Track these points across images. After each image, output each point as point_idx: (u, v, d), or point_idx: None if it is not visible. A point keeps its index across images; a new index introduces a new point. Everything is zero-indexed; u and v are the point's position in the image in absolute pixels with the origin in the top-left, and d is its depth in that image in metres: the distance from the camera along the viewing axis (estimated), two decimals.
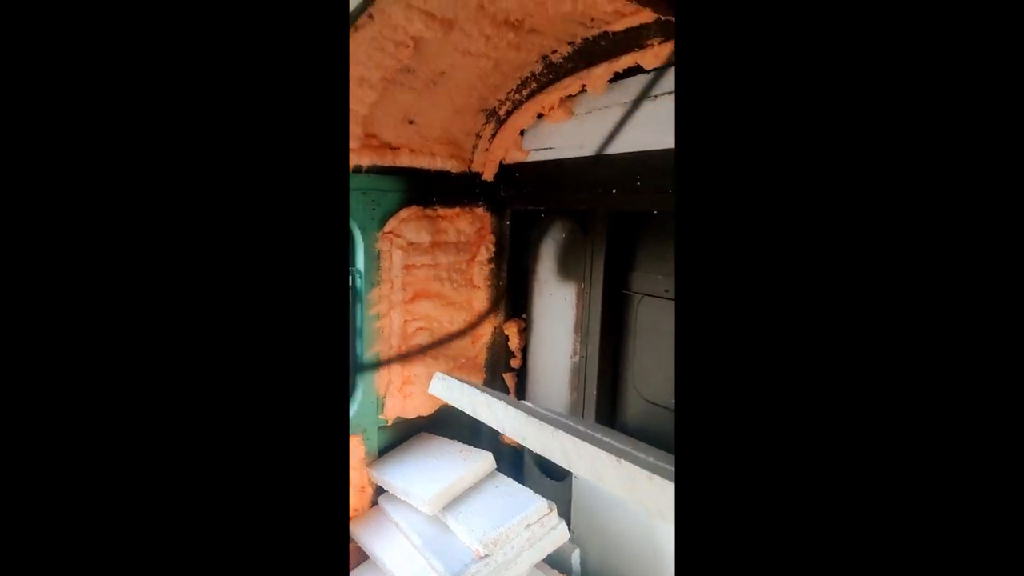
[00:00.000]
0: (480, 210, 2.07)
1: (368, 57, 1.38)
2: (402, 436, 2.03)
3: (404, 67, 1.48)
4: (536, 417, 0.91)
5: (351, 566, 1.87)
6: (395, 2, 1.20)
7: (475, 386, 1.14)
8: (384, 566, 1.59)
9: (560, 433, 0.83)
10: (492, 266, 2.11)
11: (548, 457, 0.88)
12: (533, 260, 2.11)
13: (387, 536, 1.69)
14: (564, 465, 0.83)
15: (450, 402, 1.15)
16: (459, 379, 1.18)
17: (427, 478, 1.66)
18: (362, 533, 1.77)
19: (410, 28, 1.30)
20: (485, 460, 1.70)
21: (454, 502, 1.59)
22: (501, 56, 1.52)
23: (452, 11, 1.27)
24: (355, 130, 1.61)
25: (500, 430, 0.96)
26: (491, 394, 1.09)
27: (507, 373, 2.18)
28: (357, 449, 1.87)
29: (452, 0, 1.23)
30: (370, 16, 1.23)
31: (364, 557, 1.79)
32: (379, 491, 1.91)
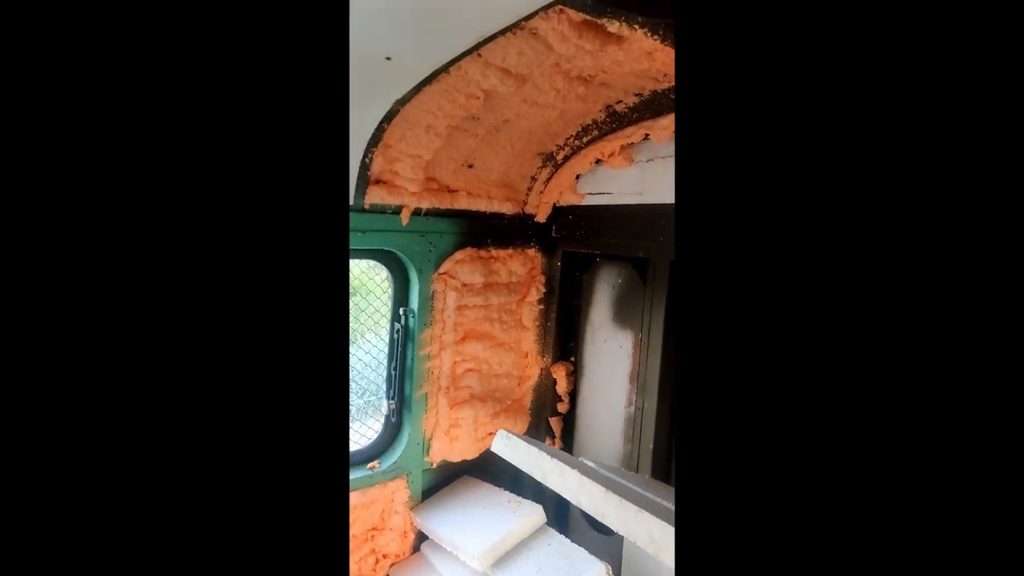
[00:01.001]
0: (532, 251, 2.06)
1: (439, 108, 1.40)
2: (445, 479, 2.00)
3: (470, 116, 1.49)
4: (616, 492, 0.87)
5: None
6: (473, 60, 1.22)
7: (543, 448, 1.10)
8: None
9: (645, 515, 0.78)
10: (541, 307, 2.09)
11: (632, 540, 0.83)
12: (586, 303, 2.08)
13: None
14: (651, 552, 0.78)
15: (515, 463, 1.11)
16: (525, 439, 1.15)
17: (475, 529, 1.61)
18: None
19: (484, 83, 1.32)
20: (536, 514, 1.65)
21: (505, 558, 1.53)
22: (567, 107, 1.52)
23: (528, 68, 1.28)
24: (417, 175, 1.63)
25: (574, 503, 0.92)
26: (562, 459, 1.05)
27: (553, 417, 2.13)
28: (401, 492, 1.84)
29: (529, 59, 1.24)
30: (447, 71, 1.25)
31: None
32: (422, 536, 1.87)
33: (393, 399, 1.84)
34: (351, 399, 1.91)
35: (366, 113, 1.34)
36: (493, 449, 1.69)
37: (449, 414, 1.91)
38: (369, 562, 1.76)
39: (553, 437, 2.13)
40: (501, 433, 1.28)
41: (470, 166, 1.78)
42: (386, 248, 1.72)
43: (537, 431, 2.23)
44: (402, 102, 1.31)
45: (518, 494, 1.88)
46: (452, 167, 1.73)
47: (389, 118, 1.36)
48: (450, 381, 1.91)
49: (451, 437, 1.92)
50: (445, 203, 1.77)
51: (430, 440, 1.91)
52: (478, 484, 1.95)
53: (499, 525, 1.61)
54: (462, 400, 1.94)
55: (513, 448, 1.13)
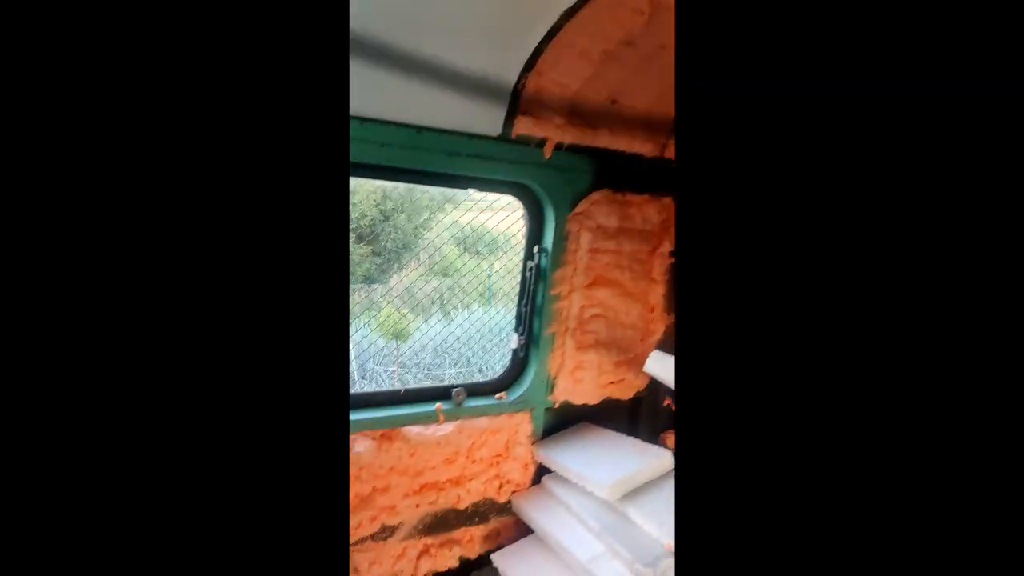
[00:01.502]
0: (668, 200, 1.98)
1: (597, 28, 1.38)
2: (565, 421, 2.01)
3: (627, 39, 1.46)
4: None
5: (510, 539, 1.90)
6: None
7: None
8: (555, 544, 1.57)
9: None
10: (672, 260, 2.01)
11: None
12: None
13: (555, 516, 1.67)
14: None
15: (667, 383, 1.09)
16: None
17: (602, 464, 1.61)
18: (527, 508, 1.78)
19: None
20: (665, 458, 1.60)
21: (634, 493, 1.51)
22: None
23: None
24: (563, 107, 1.63)
25: None
26: None
27: None
28: (525, 425, 1.89)
29: None
30: None
31: (527, 532, 1.79)
32: (542, 470, 1.91)
33: (522, 335, 1.88)
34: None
35: (528, 32, 1.36)
36: (646, 369, 1.67)
37: (575, 355, 1.92)
38: (494, 485, 1.83)
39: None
40: (655, 353, 1.26)
41: (614, 102, 1.74)
42: (524, 182, 1.75)
43: (656, 392, 2.17)
44: (568, 14, 1.31)
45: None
46: (597, 101, 1.71)
47: (549, 37, 1.37)
48: (577, 324, 1.91)
49: (575, 379, 1.93)
50: (586, 139, 1.76)
51: (554, 379, 1.94)
52: (599, 429, 1.94)
53: (627, 462, 1.59)
54: (588, 344, 1.94)
55: (667, 368, 1.10)
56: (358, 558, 1.66)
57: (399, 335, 5.20)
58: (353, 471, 1.60)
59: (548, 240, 1.84)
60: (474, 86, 1.43)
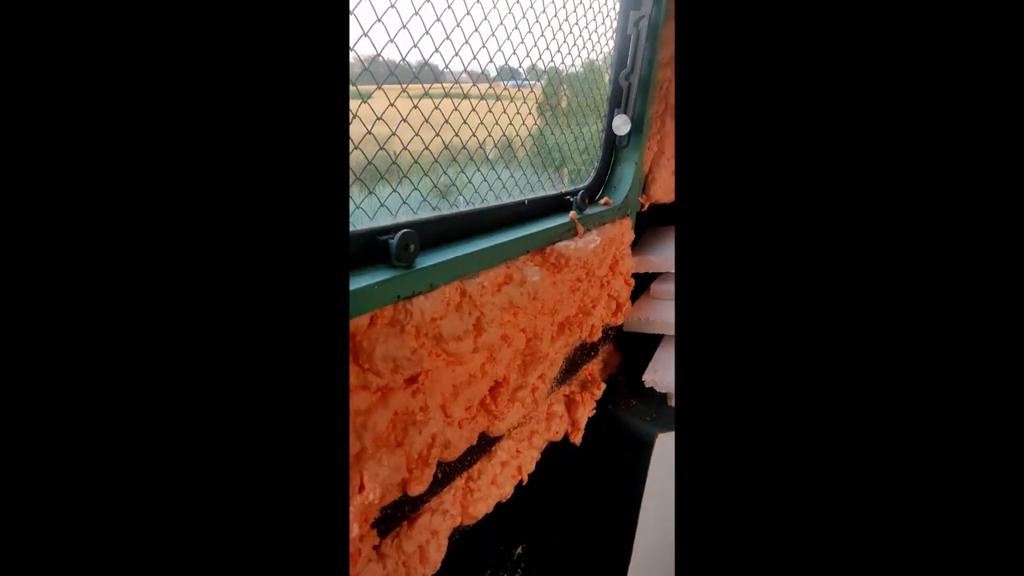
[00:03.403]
0: None
1: None
2: (640, 228, 1.76)
3: None
4: None
5: (620, 369, 1.69)
6: None
7: None
8: None
9: None
10: None
11: None
12: None
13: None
14: None
15: None
16: None
17: None
18: (649, 317, 1.57)
19: None
20: None
21: None
22: None
23: None
24: None
25: None
26: None
27: None
28: (628, 235, 1.56)
29: None
30: None
31: (633, 355, 1.61)
32: (646, 279, 1.67)
33: (629, 114, 1.46)
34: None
35: None
36: None
37: (672, 142, 1.60)
38: (611, 307, 1.53)
39: None
40: None
41: None
42: None
43: None
44: None
45: None
46: None
47: None
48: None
49: (670, 171, 1.64)
50: None
51: (648, 175, 1.62)
52: (669, 228, 1.76)
53: None
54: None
55: None
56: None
57: None
58: (532, 306, 1.13)
59: None
60: None
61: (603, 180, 1.53)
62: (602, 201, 1.46)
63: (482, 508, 1.14)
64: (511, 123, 1.19)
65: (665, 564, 1.32)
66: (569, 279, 1.29)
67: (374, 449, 0.80)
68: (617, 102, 1.46)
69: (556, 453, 1.46)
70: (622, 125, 1.43)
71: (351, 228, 0.83)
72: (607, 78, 1.49)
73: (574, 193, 1.36)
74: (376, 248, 0.83)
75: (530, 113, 1.25)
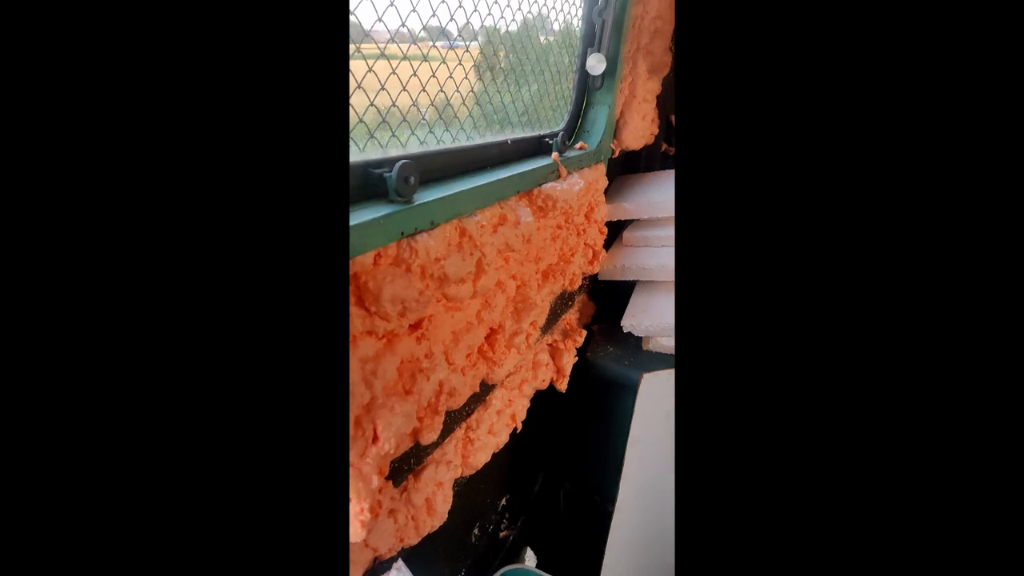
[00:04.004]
0: None
1: None
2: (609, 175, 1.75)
3: None
4: None
5: (593, 318, 1.70)
6: None
7: None
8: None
9: None
10: None
11: None
12: None
13: (656, 256, 1.54)
14: None
15: None
16: None
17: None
18: (624, 264, 1.58)
19: None
20: None
21: None
22: None
23: None
24: None
25: None
26: None
27: None
28: (601, 181, 1.55)
29: None
30: None
31: (609, 304, 1.62)
32: (617, 227, 1.68)
33: (603, 53, 1.41)
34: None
35: None
36: None
37: (646, 84, 1.58)
38: (588, 255, 1.53)
39: None
40: None
41: None
42: None
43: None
44: None
45: None
46: None
47: None
48: (649, 37, 1.54)
49: (641, 115, 1.63)
50: None
51: (619, 119, 1.60)
52: (649, 174, 1.77)
53: None
54: (655, 68, 1.60)
55: None
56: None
57: None
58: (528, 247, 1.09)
59: None
60: None
61: (575, 125, 1.49)
62: (577, 146, 1.43)
63: (481, 458, 1.12)
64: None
65: (657, 495, 1.38)
66: (551, 225, 1.26)
67: (384, 398, 0.75)
68: (591, 41, 1.41)
69: (542, 400, 1.46)
70: (597, 64, 1.39)
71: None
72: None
73: (552, 135, 1.32)
74: (371, 181, 0.75)
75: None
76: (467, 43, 1.05)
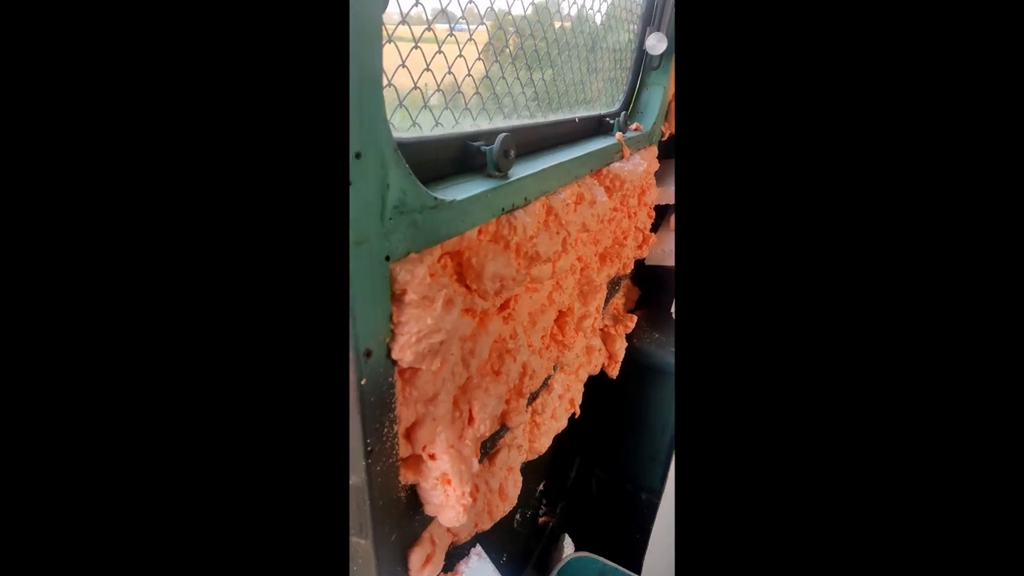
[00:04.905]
0: None
1: None
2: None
3: None
4: None
5: (638, 303, 1.67)
6: None
7: None
8: None
9: None
10: None
11: None
12: None
13: None
14: None
15: None
16: None
17: None
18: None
19: None
20: None
21: None
22: None
23: None
24: None
25: None
26: None
27: None
28: (653, 164, 1.52)
29: None
30: None
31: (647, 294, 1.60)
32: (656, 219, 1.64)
33: (663, 33, 1.37)
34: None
35: None
36: None
37: None
38: (638, 239, 1.50)
39: None
40: None
41: None
42: None
43: None
44: None
45: None
46: None
47: None
48: None
49: None
50: None
51: (671, 100, 1.56)
52: None
53: None
54: None
55: None
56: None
57: None
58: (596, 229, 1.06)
59: None
60: None
61: (628, 105, 1.46)
62: (632, 127, 1.40)
63: (545, 442, 1.11)
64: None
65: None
66: (606, 208, 1.24)
67: (479, 378, 0.73)
68: (649, 19, 1.37)
69: (592, 385, 1.45)
70: (657, 44, 1.35)
71: (441, 132, 0.71)
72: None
73: (613, 115, 1.28)
74: (468, 155, 0.72)
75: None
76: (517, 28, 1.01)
